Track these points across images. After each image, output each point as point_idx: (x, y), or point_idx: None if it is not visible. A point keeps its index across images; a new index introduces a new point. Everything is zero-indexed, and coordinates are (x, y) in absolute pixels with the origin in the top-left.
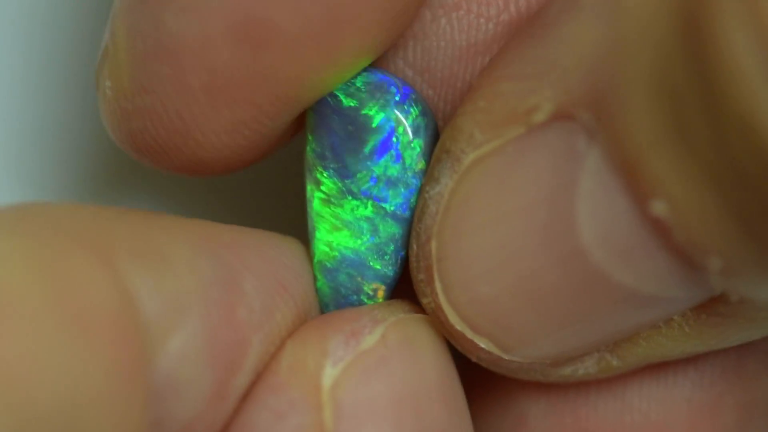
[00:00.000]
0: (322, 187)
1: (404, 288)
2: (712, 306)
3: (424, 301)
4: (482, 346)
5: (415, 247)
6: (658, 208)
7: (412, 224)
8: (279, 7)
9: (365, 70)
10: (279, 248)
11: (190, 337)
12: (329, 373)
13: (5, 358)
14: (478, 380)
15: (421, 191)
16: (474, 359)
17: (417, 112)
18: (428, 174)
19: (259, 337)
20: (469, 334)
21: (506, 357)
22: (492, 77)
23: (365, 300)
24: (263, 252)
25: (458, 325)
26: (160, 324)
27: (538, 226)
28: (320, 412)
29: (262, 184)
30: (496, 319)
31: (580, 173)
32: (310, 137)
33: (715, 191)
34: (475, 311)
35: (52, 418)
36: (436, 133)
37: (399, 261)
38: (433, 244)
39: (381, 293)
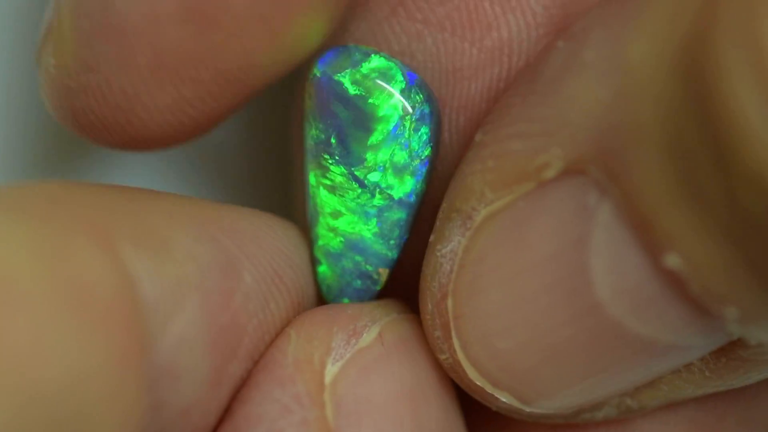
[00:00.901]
0: (328, 175)
1: (397, 287)
2: (732, 350)
3: (442, 357)
4: (503, 399)
5: (429, 305)
6: (672, 261)
7: (423, 280)
8: None
9: (372, 53)
10: (276, 234)
11: (189, 322)
12: (329, 370)
13: (6, 340)
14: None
15: (431, 250)
16: (494, 409)
17: (422, 98)
18: (437, 232)
19: (254, 324)
20: (489, 388)
21: (527, 409)
22: (499, 135)
23: (369, 284)
24: (261, 238)
25: (478, 380)
26: (160, 309)
27: (553, 282)
28: (323, 409)
29: (251, 169)
30: (515, 374)
31: (592, 228)
32: (313, 125)
33: (729, 243)
34: (495, 367)
35: (53, 400)
36: (440, 119)
37: (402, 244)
38: (450, 302)
39: (384, 275)
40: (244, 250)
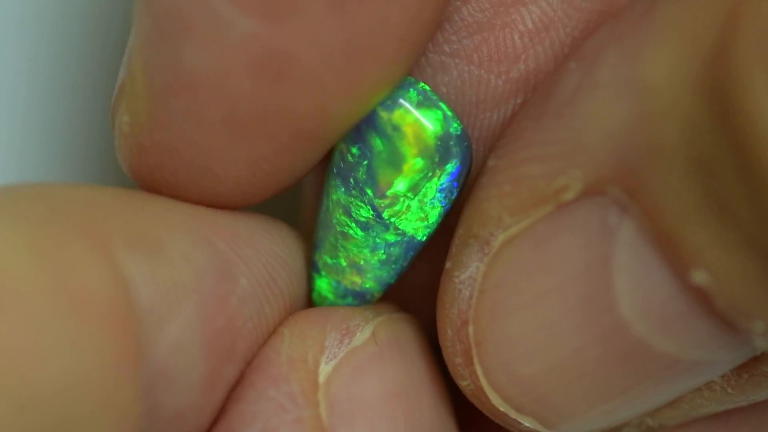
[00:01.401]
0: (350, 198)
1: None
2: (755, 365)
3: (463, 383)
4: (526, 424)
5: (449, 331)
6: (699, 277)
7: (440, 307)
8: (298, 40)
9: (423, 94)
10: (271, 236)
11: (185, 325)
12: (323, 369)
13: (5, 348)
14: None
15: (448, 276)
16: None
17: (457, 151)
18: (454, 259)
19: (249, 327)
20: (513, 414)
21: None
22: (514, 160)
23: (360, 302)
24: (256, 241)
25: (501, 406)
26: (156, 312)
27: (576, 303)
28: (317, 408)
29: None
30: (539, 398)
31: (614, 247)
32: (348, 145)
33: (756, 257)
34: (518, 392)
35: (49, 403)
36: (470, 171)
37: (402, 271)
38: (471, 329)
39: (377, 297)
40: (239, 254)
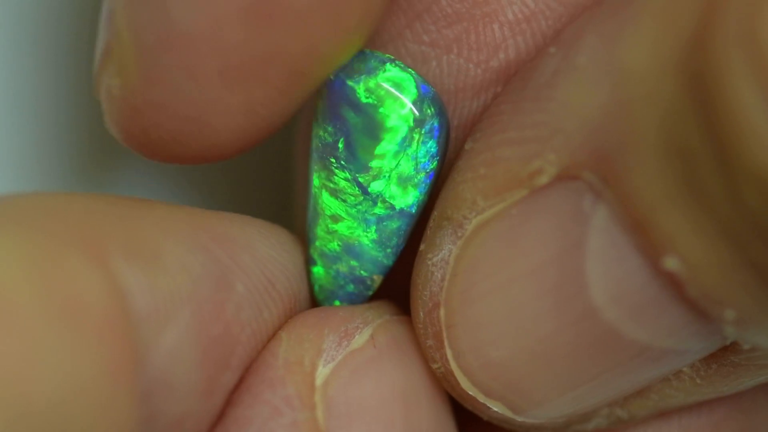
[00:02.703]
0: (333, 178)
1: (388, 290)
2: (723, 355)
3: (434, 366)
4: (495, 409)
5: (421, 314)
6: (671, 263)
7: (413, 288)
8: None
9: (387, 62)
10: (269, 241)
11: (181, 333)
12: (321, 372)
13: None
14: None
15: (421, 258)
16: (485, 418)
17: (433, 111)
18: (428, 241)
19: (247, 334)
20: (482, 398)
21: (519, 419)
22: (490, 142)
23: (362, 289)
24: (253, 247)
25: (470, 390)
26: (152, 321)
27: (548, 288)
28: (314, 411)
29: (250, 170)
30: (508, 383)
31: (587, 232)
32: (322, 126)
33: (729, 244)
34: (488, 376)
35: (44, 414)
36: (449, 134)
37: (398, 252)
38: (442, 312)
39: (378, 281)
40: (236, 260)
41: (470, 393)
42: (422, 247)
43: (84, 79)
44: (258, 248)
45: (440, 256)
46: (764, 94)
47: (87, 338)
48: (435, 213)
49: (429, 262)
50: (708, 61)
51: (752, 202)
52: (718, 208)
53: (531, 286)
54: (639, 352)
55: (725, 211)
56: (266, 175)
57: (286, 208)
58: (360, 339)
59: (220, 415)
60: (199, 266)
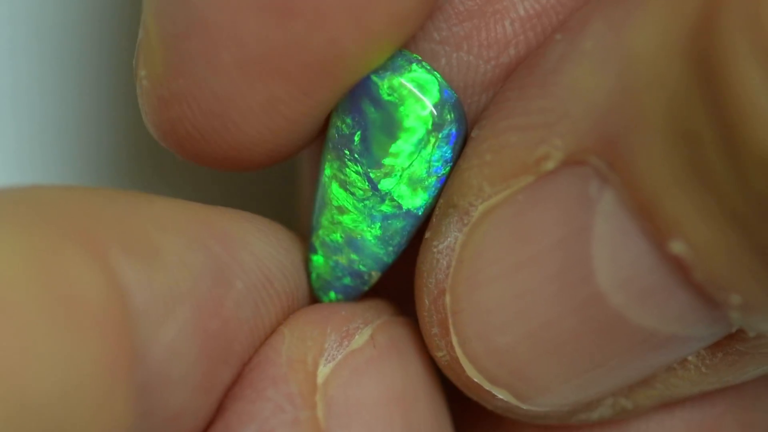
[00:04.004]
0: (344, 170)
1: (386, 286)
2: (729, 344)
3: (439, 354)
4: (500, 396)
5: (426, 301)
6: (677, 247)
7: (418, 276)
8: None
9: (414, 62)
10: (268, 239)
11: (180, 329)
12: (322, 371)
13: None
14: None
15: (427, 246)
16: (490, 408)
17: (453, 117)
18: (434, 229)
19: (244, 331)
20: (487, 385)
21: (524, 407)
22: (496, 128)
23: (358, 283)
24: (252, 244)
25: (475, 377)
26: (151, 317)
27: (554, 273)
28: (315, 409)
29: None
30: (514, 370)
31: (593, 217)
32: (341, 117)
33: (736, 227)
34: (493, 363)
35: (42, 409)
36: (465, 141)
37: (400, 251)
38: (447, 298)
39: (375, 277)
40: (235, 257)
41: (475, 380)
42: (427, 234)
43: (88, 77)
44: (256, 245)
45: (446, 244)
46: None
47: (85, 333)
48: (441, 201)
49: (434, 250)
50: (714, 45)
51: (758, 186)
52: (725, 191)
53: (537, 271)
54: (644, 339)
55: (731, 194)
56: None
57: (290, 195)
58: (360, 339)
59: (220, 408)
60: (198, 262)
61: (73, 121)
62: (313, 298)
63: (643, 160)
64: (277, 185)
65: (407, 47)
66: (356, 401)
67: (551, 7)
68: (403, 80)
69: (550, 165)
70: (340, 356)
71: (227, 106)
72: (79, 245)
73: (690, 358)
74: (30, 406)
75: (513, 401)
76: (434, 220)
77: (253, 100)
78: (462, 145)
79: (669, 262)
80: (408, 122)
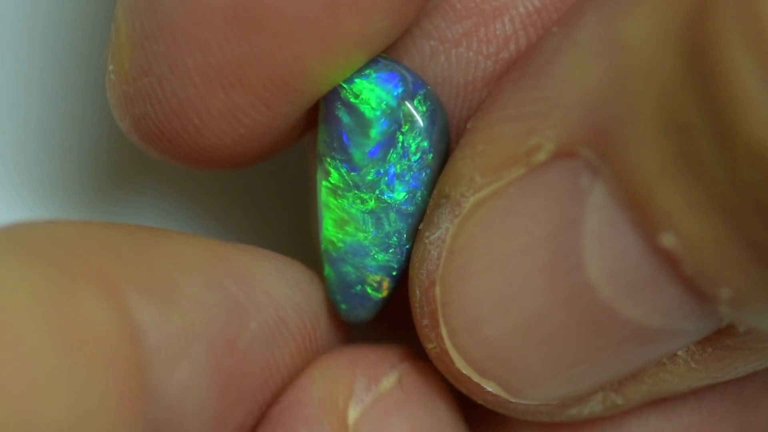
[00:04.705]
0: (330, 178)
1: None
2: (719, 339)
3: (429, 346)
4: (489, 389)
5: (417, 292)
6: (668, 240)
7: (411, 267)
8: None
9: (378, 60)
10: (285, 278)
11: (194, 368)
12: (351, 413)
13: (6, 385)
14: (482, 416)
15: (419, 237)
16: (479, 402)
17: (426, 108)
18: (426, 219)
19: (257, 370)
20: (476, 378)
21: (513, 400)
22: (490, 119)
23: (370, 291)
24: (268, 284)
25: (464, 369)
26: (166, 355)
27: (544, 265)
28: None
29: (266, 175)
30: (503, 362)
31: (584, 210)
32: (321, 127)
33: (727, 221)
34: (482, 355)
35: None
36: (447, 129)
37: (405, 254)
38: (438, 289)
39: (386, 285)
40: (250, 297)
41: (464, 372)
42: (421, 226)
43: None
44: (273, 286)
45: (437, 235)
46: (763, 69)
47: (92, 368)
48: (435, 191)
49: (426, 241)
50: (707, 35)
51: (750, 177)
52: (716, 183)
53: (527, 263)
54: (633, 332)
55: (722, 186)
56: (284, 182)
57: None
58: (387, 382)
59: None
60: (214, 302)
61: (62, 121)
62: (338, 336)
63: (634, 152)
64: (278, 186)
65: (405, 45)
66: None
67: (551, 3)
68: (366, 79)
69: (541, 156)
70: (368, 399)
71: (188, 109)
72: (92, 282)
73: (679, 352)
74: None
75: (502, 394)
76: (428, 210)
77: (213, 106)
78: (442, 133)
79: (659, 255)
80: (375, 119)
